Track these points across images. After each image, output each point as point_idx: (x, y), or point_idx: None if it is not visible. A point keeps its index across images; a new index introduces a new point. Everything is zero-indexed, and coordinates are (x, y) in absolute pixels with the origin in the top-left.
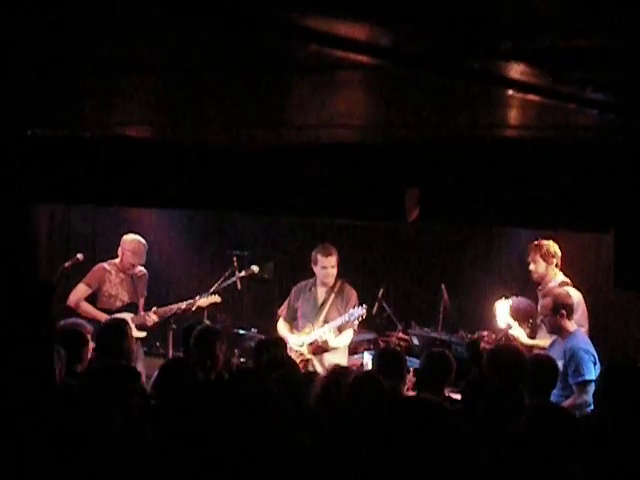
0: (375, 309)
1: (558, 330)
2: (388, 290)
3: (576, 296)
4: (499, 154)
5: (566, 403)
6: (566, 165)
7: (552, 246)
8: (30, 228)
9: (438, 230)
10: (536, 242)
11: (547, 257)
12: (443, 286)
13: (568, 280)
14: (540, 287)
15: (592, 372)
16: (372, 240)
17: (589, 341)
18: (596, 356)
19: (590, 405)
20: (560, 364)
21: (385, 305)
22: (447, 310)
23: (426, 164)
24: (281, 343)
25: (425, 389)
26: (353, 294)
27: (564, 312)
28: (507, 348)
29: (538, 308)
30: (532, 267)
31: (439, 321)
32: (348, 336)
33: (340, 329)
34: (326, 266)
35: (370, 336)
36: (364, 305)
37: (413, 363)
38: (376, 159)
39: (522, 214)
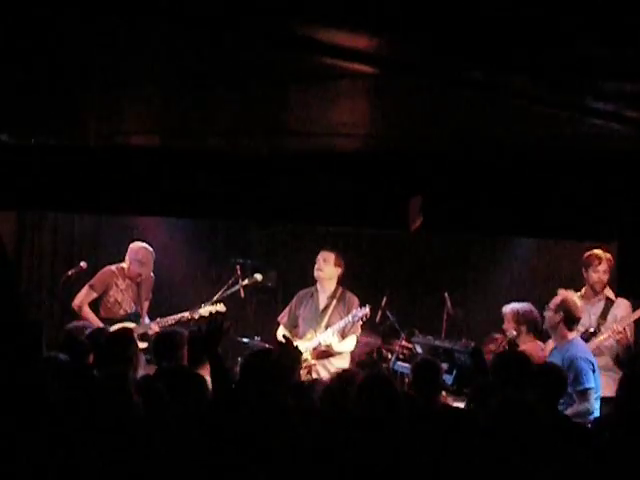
0: (378, 317)
1: (552, 329)
2: (391, 298)
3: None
4: (502, 163)
5: (568, 411)
6: (571, 175)
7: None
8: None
9: (442, 238)
10: (596, 250)
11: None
12: (447, 294)
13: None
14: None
15: (592, 380)
16: (376, 248)
17: (588, 349)
18: (595, 364)
19: (592, 413)
20: None
21: (388, 313)
22: (450, 318)
23: (429, 173)
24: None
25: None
26: (355, 300)
27: (563, 315)
28: (513, 354)
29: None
30: (589, 276)
31: (442, 329)
32: (352, 341)
33: (344, 334)
34: (318, 259)
35: (374, 341)
36: (367, 305)
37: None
38: (379, 167)
39: (526, 224)
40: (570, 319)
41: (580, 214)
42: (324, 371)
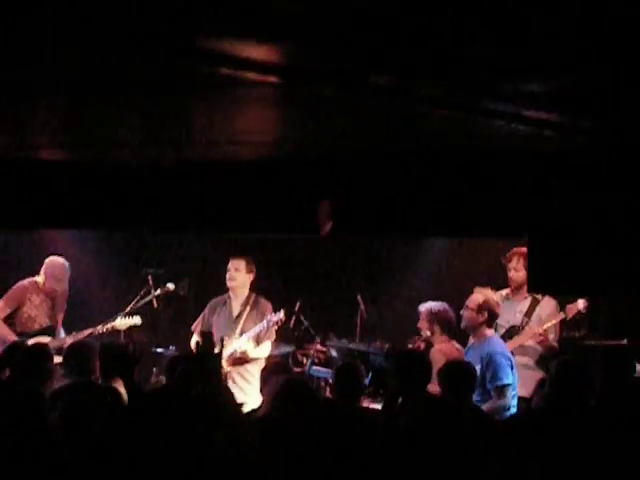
0: (292, 322)
1: (472, 329)
2: (305, 302)
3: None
4: (412, 165)
5: (485, 407)
6: (480, 173)
7: None
8: None
9: (354, 240)
10: (519, 248)
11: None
12: (359, 296)
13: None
14: (510, 295)
15: (510, 376)
16: (287, 253)
17: (505, 345)
18: (513, 360)
19: (509, 409)
20: (477, 369)
21: (302, 318)
22: (365, 320)
23: (338, 177)
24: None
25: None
26: (268, 306)
27: (487, 316)
28: (413, 354)
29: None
30: (513, 274)
31: (357, 332)
32: (267, 347)
33: (258, 340)
34: (230, 269)
35: (289, 349)
36: (281, 310)
37: (328, 375)
38: (287, 173)
39: (438, 223)
40: (492, 318)
41: (491, 211)
42: (239, 378)
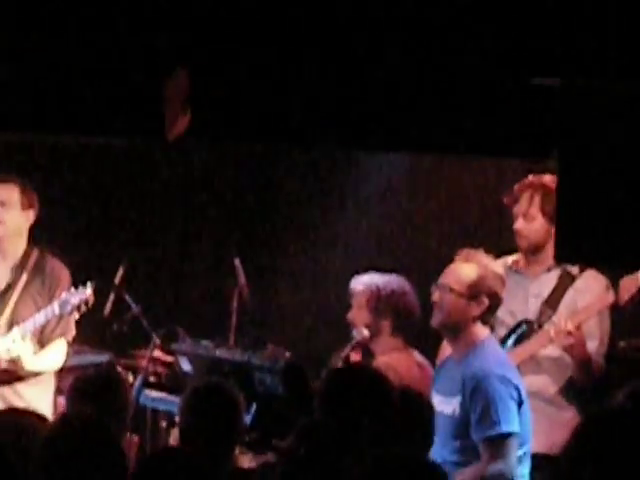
0: (109, 306)
1: (454, 328)
2: (134, 269)
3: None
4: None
5: (467, 474)
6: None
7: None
8: None
9: (231, 154)
10: (535, 177)
11: (552, 207)
12: (237, 261)
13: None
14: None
15: (514, 418)
16: (103, 177)
17: (506, 357)
18: (522, 389)
19: (510, 478)
20: (454, 404)
21: (129, 299)
22: (245, 305)
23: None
24: None
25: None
26: (64, 274)
27: (485, 304)
28: (344, 373)
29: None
30: (523, 225)
31: (230, 327)
32: (59, 352)
33: (44, 338)
34: None
35: (101, 357)
36: (89, 283)
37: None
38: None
39: (388, 125)
40: (492, 309)
41: (486, 106)
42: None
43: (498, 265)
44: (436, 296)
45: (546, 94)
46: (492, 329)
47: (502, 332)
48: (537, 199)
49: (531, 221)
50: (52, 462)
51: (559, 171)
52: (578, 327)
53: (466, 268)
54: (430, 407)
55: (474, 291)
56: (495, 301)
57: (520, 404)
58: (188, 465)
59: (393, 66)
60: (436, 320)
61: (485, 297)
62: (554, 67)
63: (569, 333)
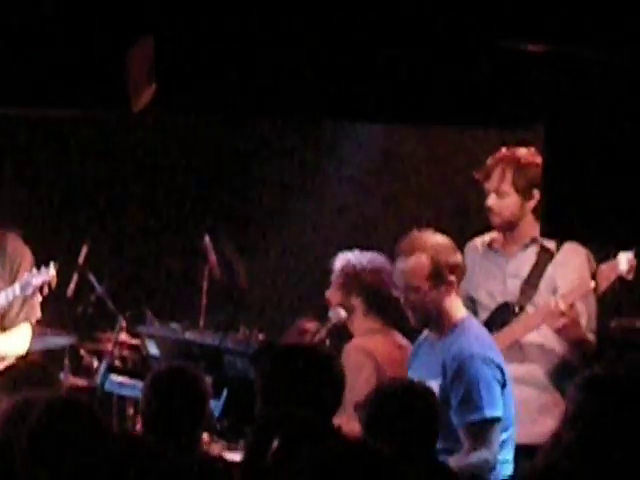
0: (73, 286)
1: (435, 318)
2: (98, 247)
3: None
4: None
5: (452, 462)
6: None
7: (533, 162)
8: None
9: (198, 127)
10: (504, 150)
11: (525, 183)
12: (207, 239)
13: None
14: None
15: (498, 402)
16: (67, 151)
17: (488, 336)
18: (506, 372)
19: (494, 466)
20: (434, 386)
21: (92, 279)
22: (216, 285)
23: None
24: None
25: None
26: (25, 254)
27: (452, 279)
28: (318, 355)
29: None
30: (495, 202)
31: (200, 309)
32: (23, 336)
33: (6, 320)
34: None
35: (64, 340)
36: (52, 263)
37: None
38: None
39: (366, 97)
40: (460, 278)
41: (466, 74)
42: None
43: (438, 236)
44: (403, 299)
45: (525, 61)
46: (475, 314)
47: (484, 315)
48: (509, 175)
49: (503, 197)
50: (39, 448)
51: (545, 144)
52: (571, 306)
53: (415, 261)
54: (433, 394)
55: (436, 277)
56: (459, 272)
57: (503, 385)
58: (150, 452)
59: (365, 34)
60: (415, 321)
61: (449, 274)
62: (535, 32)
63: (562, 314)
